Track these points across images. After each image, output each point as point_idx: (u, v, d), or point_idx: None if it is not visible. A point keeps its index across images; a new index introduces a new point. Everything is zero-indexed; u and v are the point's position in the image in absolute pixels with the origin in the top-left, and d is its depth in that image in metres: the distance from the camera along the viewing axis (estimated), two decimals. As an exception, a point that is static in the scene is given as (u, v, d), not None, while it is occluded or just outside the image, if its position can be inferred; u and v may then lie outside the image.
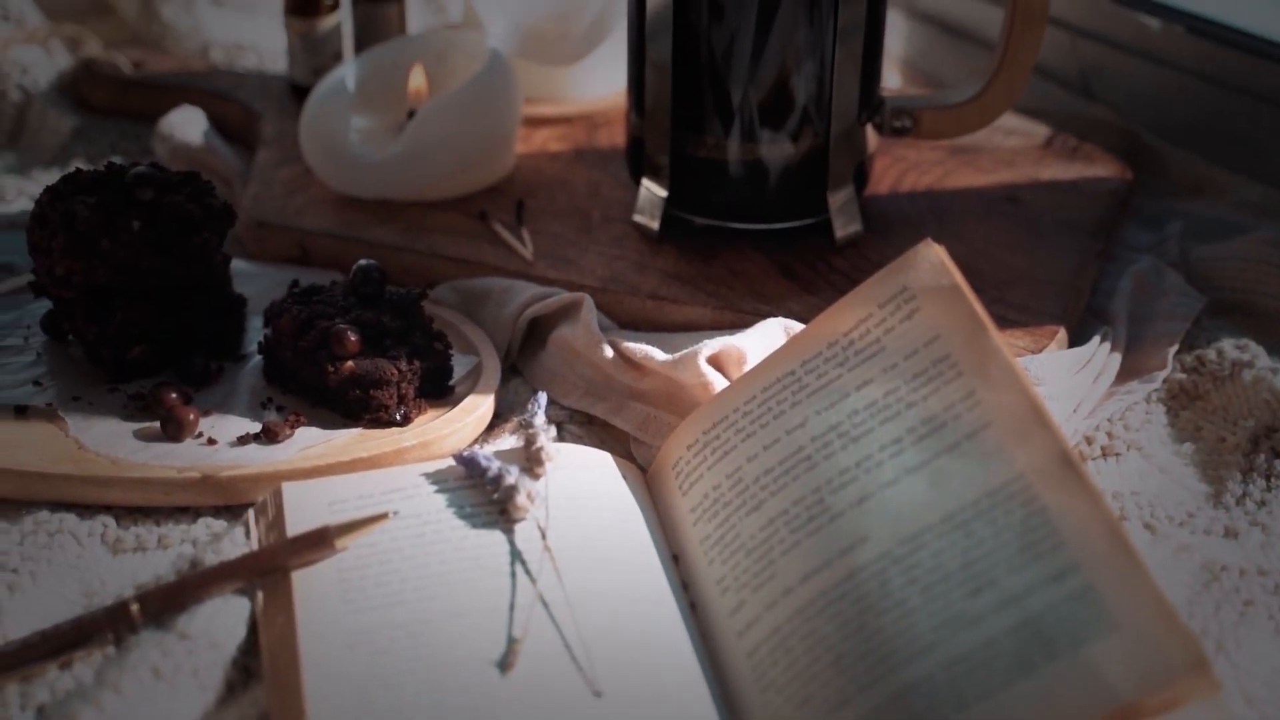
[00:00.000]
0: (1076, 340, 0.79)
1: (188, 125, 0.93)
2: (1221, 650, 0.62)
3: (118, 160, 0.78)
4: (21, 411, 0.73)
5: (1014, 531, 0.59)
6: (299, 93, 0.96)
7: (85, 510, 0.70)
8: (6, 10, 1.03)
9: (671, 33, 0.79)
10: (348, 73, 0.89)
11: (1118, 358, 0.78)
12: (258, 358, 0.78)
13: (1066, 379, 0.75)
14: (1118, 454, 0.73)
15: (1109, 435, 0.74)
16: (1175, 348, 0.79)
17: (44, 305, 0.79)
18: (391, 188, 0.86)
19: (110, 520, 0.69)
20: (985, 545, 0.59)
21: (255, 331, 0.80)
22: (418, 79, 0.89)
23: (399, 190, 0.87)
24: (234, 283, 0.80)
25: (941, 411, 0.63)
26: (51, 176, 0.93)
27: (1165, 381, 0.78)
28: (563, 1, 0.94)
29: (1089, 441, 0.74)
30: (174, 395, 0.73)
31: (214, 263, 0.76)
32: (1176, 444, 0.75)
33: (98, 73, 0.99)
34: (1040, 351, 0.77)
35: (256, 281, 0.83)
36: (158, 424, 0.73)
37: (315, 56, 0.95)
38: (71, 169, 0.94)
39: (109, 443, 0.72)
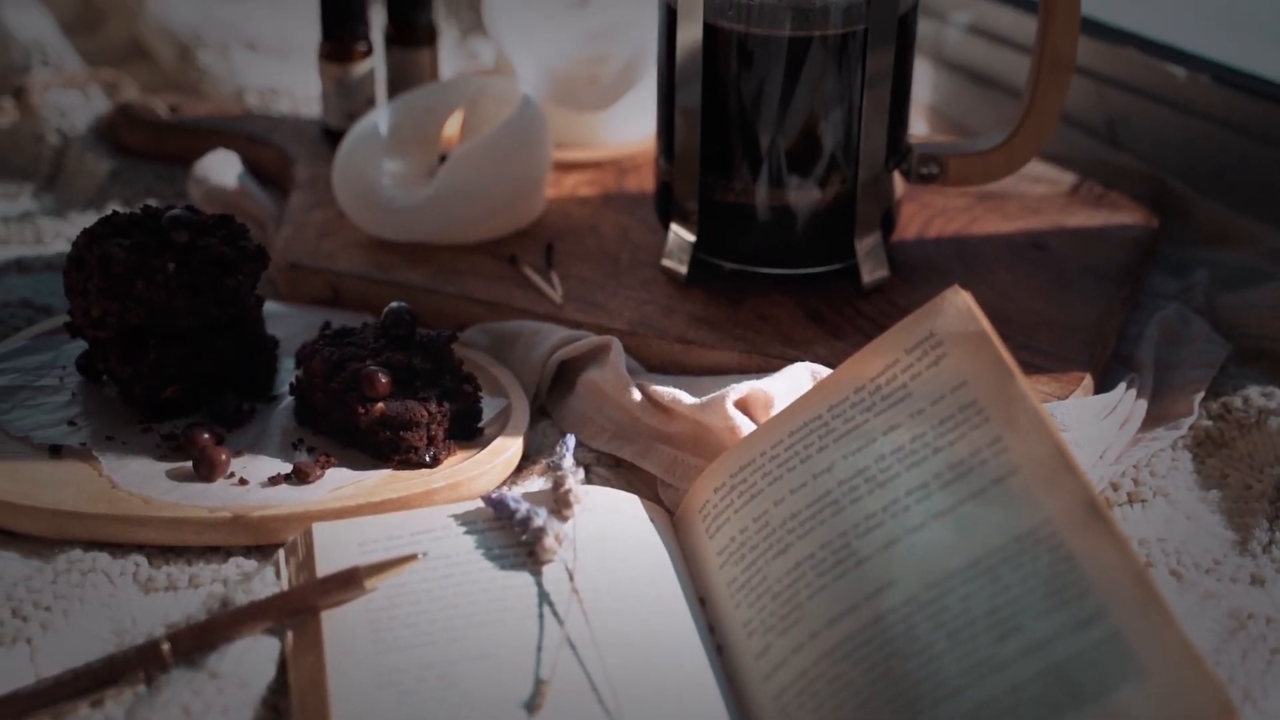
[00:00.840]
0: (1103, 387, 0.80)
1: (223, 169, 0.94)
2: (1248, 699, 0.62)
3: (153, 203, 0.79)
4: (56, 451, 0.74)
5: (1041, 577, 0.59)
6: (332, 137, 0.97)
7: (118, 549, 0.70)
8: (46, 55, 1.05)
9: (701, 79, 0.80)
10: (380, 117, 0.90)
11: (1144, 404, 0.78)
12: (289, 399, 0.78)
13: (1093, 425, 0.75)
14: (1144, 500, 0.74)
15: (1135, 482, 0.74)
16: (1201, 394, 0.79)
17: (79, 346, 0.80)
18: (423, 231, 0.87)
19: (142, 559, 0.70)
20: (1012, 591, 0.59)
21: (287, 373, 0.80)
22: (454, 125, 0.90)
23: (430, 233, 0.87)
24: (266, 324, 0.80)
25: (968, 457, 0.63)
26: (88, 219, 0.94)
27: (1191, 428, 0.78)
28: (593, 48, 0.96)
29: (1115, 488, 0.74)
30: (206, 436, 0.74)
31: (247, 304, 0.77)
32: (1203, 491, 0.75)
33: (135, 117, 1.00)
34: (1066, 398, 0.77)
35: (288, 323, 0.84)
36: (190, 464, 0.73)
37: (348, 101, 0.96)
38: (108, 211, 0.95)
39: (142, 482, 0.72)
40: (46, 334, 0.82)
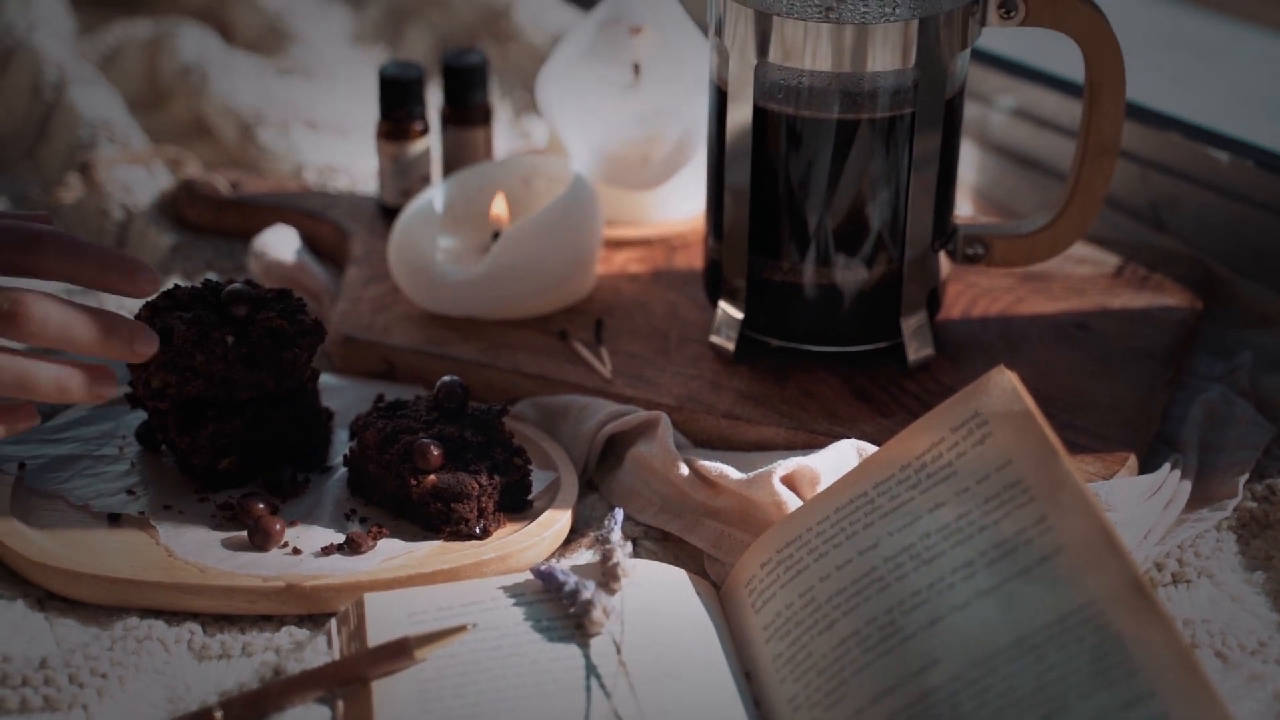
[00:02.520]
0: (1147, 467, 0.80)
1: (281, 244, 0.95)
2: (1295, 781, 0.62)
3: (214, 277, 0.80)
4: (115, 519, 0.75)
5: (1086, 657, 0.59)
6: (388, 213, 0.98)
7: (173, 617, 0.71)
8: (112, 133, 1.06)
9: (750, 160, 0.81)
10: (436, 195, 0.91)
11: (1188, 485, 0.78)
12: (343, 470, 0.79)
13: (1137, 505, 0.75)
14: (1189, 581, 0.73)
15: (1180, 562, 0.74)
16: (1246, 476, 0.79)
17: (139, 416, 0.81)
18: (476, 306, 0.88)
19: (197, 627, 0.71)
20: (1057, 670, 0.59)
21: (341, 444, 0.81)
22: (499, 205, 0.91)
23: (483, 309, 0.88)
24: (321, 396, 0.81)
25: (1013, 536, 0.63)
26: None
27: (1236, 510, 0.78)
28: (644, 129, 0.97)
29: (1160, 568, 0.74)
30: (262, 506, 0.75)
31: (304, 377, 0.78)
32: (1247, 572, 0.75)
33: (197, 193, 1.01)
34: (1111, 478, 0.77)
35: (343, 395, 0.85)
36: (245, 533, 0.74)
37: (404, 179, 0.97)
38: (169, 285, 0.97)
39: (198, 551, 0.73)
40: (107, 404, 0.83)
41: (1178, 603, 0.72)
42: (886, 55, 0.78)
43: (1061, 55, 0.91)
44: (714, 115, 0.83)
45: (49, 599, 0.72)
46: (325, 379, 0.85)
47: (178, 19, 1.25)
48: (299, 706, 0.65)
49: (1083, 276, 0.93)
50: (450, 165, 0.98)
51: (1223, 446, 0.81)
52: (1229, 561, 0.75)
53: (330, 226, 0.99)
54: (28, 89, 1.13)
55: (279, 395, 0.77)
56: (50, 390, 0.70)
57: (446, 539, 0.75)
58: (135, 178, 1.03)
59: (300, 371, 0.77)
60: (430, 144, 0.98)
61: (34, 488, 0.77)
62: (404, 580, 0.72)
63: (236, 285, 0.77)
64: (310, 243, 0.98)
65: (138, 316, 0.77)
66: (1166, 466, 0.78)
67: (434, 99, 1.10)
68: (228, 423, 0.77)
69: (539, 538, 0.75)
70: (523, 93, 1.18)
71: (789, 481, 0.75)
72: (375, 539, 0.74)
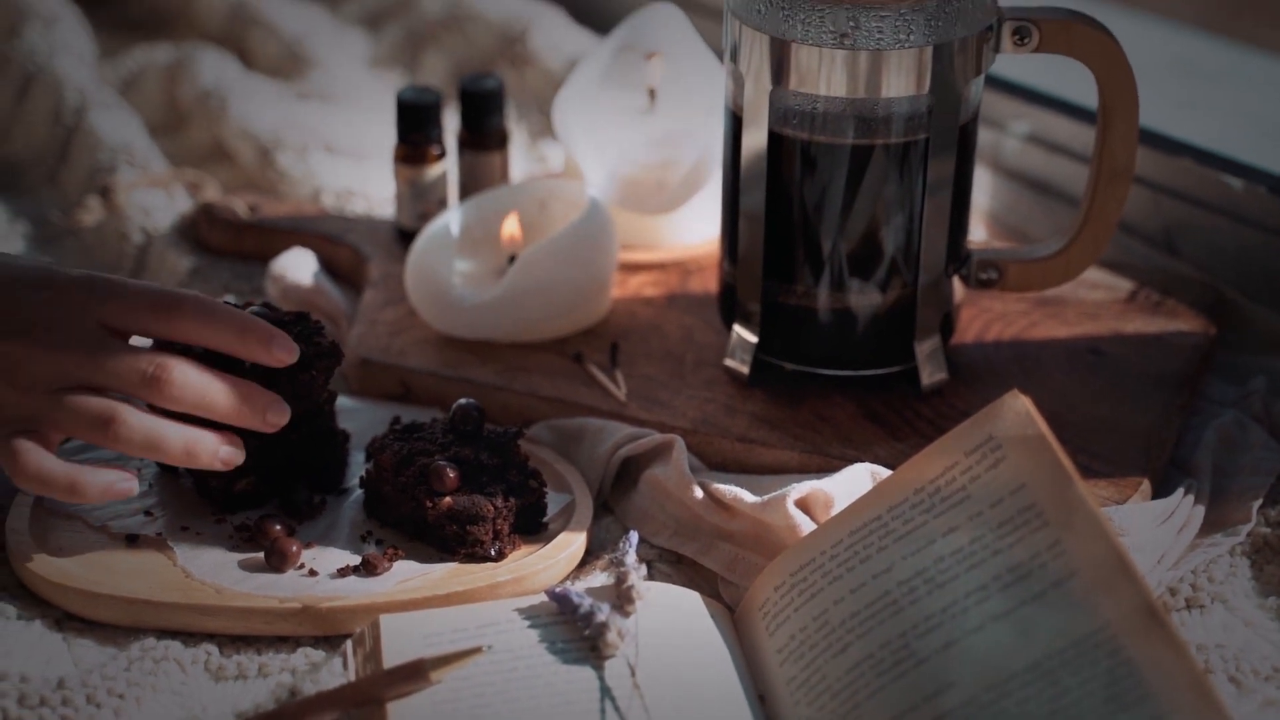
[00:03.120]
0: (1160, 492, 0.80)
1: (299, 267, 0.96)
2: (1309, 807, 0.62)
3: (231, 299, 0.81)
4: (133, 540, 0.76)
5: (1100, 681, 0.59)
6: (405, 237, 0.98)
7: (190, 638, 0.71)
8: (132, 156, 1.07)
9: (765, 184, 0.81)
10: (452, 219, 0.92)
11: (1201, 510, 0.78)
12: (359, 492, 0.80)
13: (1151, 530, 0.75)
14: (1202, 606, 0.74)
15: (1193, 587, 0.74)
16: (1259, 501, 0.79)
17: (158, 437, 0.82)
18: (492, 329, 0.89)
19: (213, 648, 0.71)
20: (1071, 694, 0.59)
21: (357, 466, 0.81)
22: (511, 225, 0.92)
23: (499, 332, 0.89)
24: (338, 418, 0.82)
25: (1027, 560, 0.63)
26: None
27: (1249, 535, 0.78)
28: (659, 153, 0.97)
29: (1173, 593, 0.74)
30: (278, 527, 0.75)
31: (321, 399, 0.78)
32: (1261, 598, 0.75)
33: (216, 216, 1.01)
34: (1125, 502, 0.77)
35: (359, 417, 0.85)
36: (262, 555, 0.75)
37: (421, 203, 0.98)
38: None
39: (215, 572, 0.74)
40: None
41: (1191, 628, 0.72)
42: (901, 81, 0.78)
43: (1075, 81, 0.91)
44: (729, 140, 0.84)
45: (67, 619, 0.73)
46: (342, 401, 0.85)
47: (197, 44, 1.25)
48: (315, 727, 0.65)
49: (1096, 301, 0.94)
50: (467, 189, 0.99)
51: (1236, 472, 0.81)
52: (1243, 587, 0.75)
53: (348, 250, 0.99)
54: (49, 113, 1.14)
55: (297, 416, 0.78)
56: (178, 453, 0.72)
57: (462, 561, 0.75)
58: (155, 201, 1.04)
59: (317, 393, 0.78)
60: (447, 168, 0.98)
61: (53, 509, 0.77)
62: (419, 602, 0.72)
63: (255, 308, 0.77)
64: (328, 266, 0.99)
65: (155, 343, 0.77)
66: (1180, 491, 0.79)
67: (451, 123, 1.10)
68: (245, 444, 0.77)
69: (554, 560, 0.75)
70: (539, 117, 1.18)
71: (803, 505, 0.75)
72: (391, 561, 0.75)
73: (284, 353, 0.74)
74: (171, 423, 0.73)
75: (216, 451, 0.73)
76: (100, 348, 0.72)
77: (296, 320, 0.78)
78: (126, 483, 0.72)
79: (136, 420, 0.72)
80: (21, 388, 0.71)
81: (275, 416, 0.74)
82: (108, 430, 0.71)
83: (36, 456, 0.71)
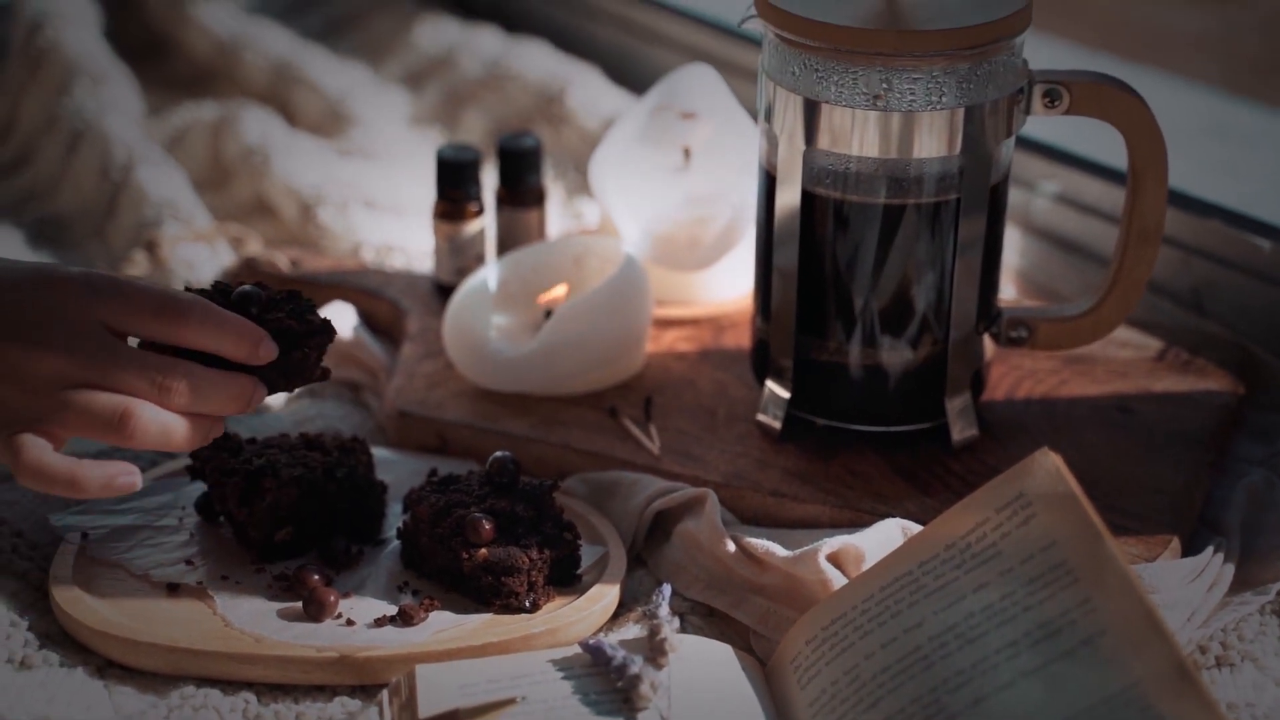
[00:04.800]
0: (1190, 550, 0.80)
1: (339, 320, 0.96)
2: None
3: (222, 281, 0.80)
4: (174, 589, 0.77)
5: (1129, 738, 0.59)
6: (443, 291, 0.99)
7: (229, 686, 0.72)
8: (177, 211, 1.08)
9: (798, 242, 0.82)
10: (490, 274, 0.93)
11: (1231, 568, 0.78)
12: (396, 543, 0.80)
13: (1180, 588, 0.75)
14: (1232, 665, 0.73)
15: (1223, 645, 0.74)
16: (1290, 560, 0.79)
17: (199, 488, 0.83)
18: (527, 383, 0.90)
19: (251, 697, 0.71)
20: (1100, 750, 0.59)
21: (394, 517, 0.82)
22: (559, 290, 0.92)
23: (534, 385, 0.90)
24: (376, 470, 0.83)
25: (1057, 617, 0.63)
26: None
27: (1278, 593, 0.78)
28: (694, 211, 0.98)
29: (1203, 651, 0.74)
30: (316, 577, 0.76)
31: (313, 377, 0.77)
32: (1291, 656, 0.75)
33: (258, 270, 1.03)
34: (1154, 560, 0.78)
35: (397, 469, 0.86)
36: (300, 604, 0.75)
37: (460, 258, 0.99)
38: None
39: (254, 621, 0.75)
40: (168, 475, 0.85)
41: (1222, 686, 0.72)
42: (933, 142, 0.79)
43: (1104, 142, 0.92)
44: (763, 198, 0.85)
45: (108, 666, 0.73)
46: (379, 452, 0.87)
47: (242, 102, 1.27)
48: (351, 775, 0.66)
49: (1125, 360, 0.94)
50: (504, 245, 1.00)
51: (1265, 530, 0.81)
52: (1273, 645, 0.75)
53: (387, 304, 1.00)
54: (97, 169, 1.16)
55: (288, 390, 0.76)
56: (191, 439, 0.73)
57: (497, 612, 0.76)
58: (199, 255, 1.05)
59: (309, 371, 0.76)
60: (485, 224, 0.99)
61: (96, 557, 0.78)
62: (455, 652, 0.73)
63: (246, 287, 0.76)
64: (367, 319, 1.00)
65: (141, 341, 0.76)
66: (1210, 549, 0.79)
67: (489, 181, 1.11)
68: (284, 495, 0.78)
69: (588, 612, 0.76)
70: (575, 175, 1.19)
71: (834, 559, 0.75)
72: (427, 611, 0.75)
73: (266, 351, 0.74)
74: (180, 415, 0.73)
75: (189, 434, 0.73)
76: (103, 348, 0.72)
77: (288, 299, 0.77)
78: (128, 476, 0.72)
79: (151, 414, 0.71)
80: (26, 387, 0.71)
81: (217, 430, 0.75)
82: (124, 426, 0.71)
83: (37, 451, 0.71)
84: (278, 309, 0.76)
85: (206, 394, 0.73)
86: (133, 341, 0.74)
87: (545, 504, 0.78)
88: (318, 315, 0.76)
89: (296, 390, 0.80)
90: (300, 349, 0.75)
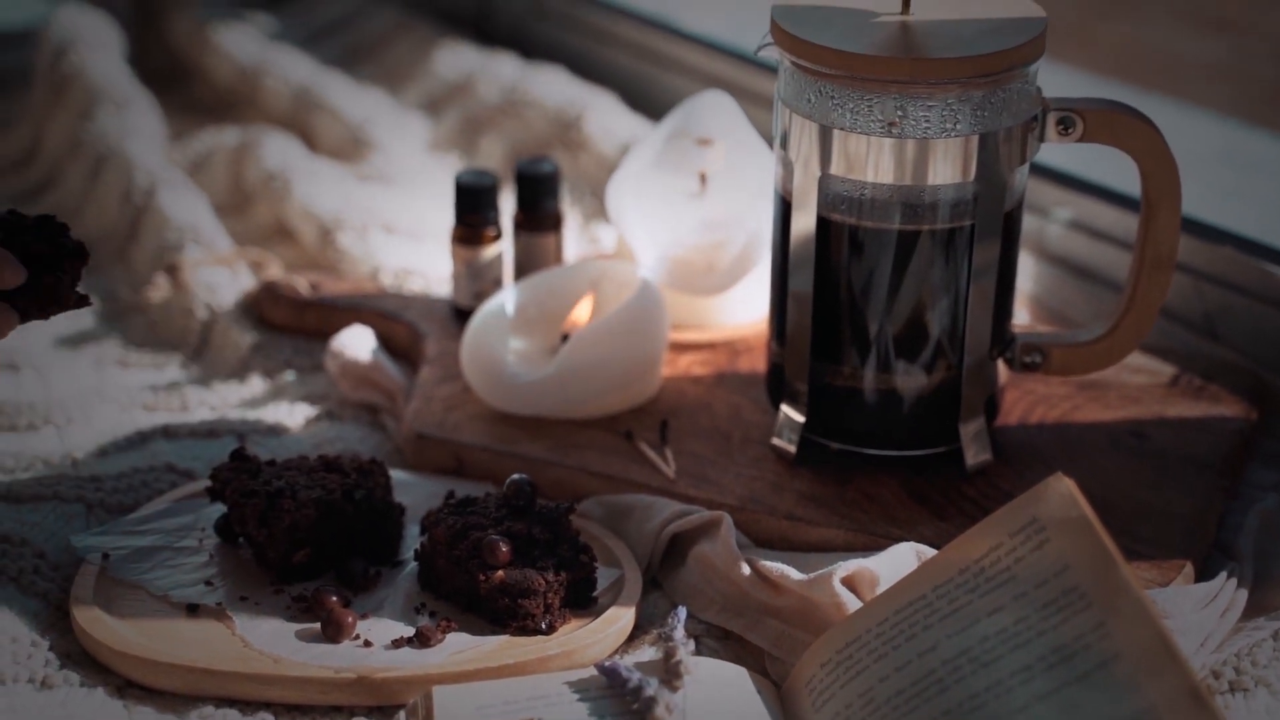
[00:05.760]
0: (1203, 575, 0.80)
1: (358, 343, 0.97)
2: None
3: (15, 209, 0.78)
4: (193, 610, 0.77)
5: (1142, 762, 0.59)
6: (461, 315, 1.00)
7: (247, 706, 0.72)
8: (198, 235, 1.09)
9: (813, 267, 0.83)
10: (507, 298, 0.93)
11: (1244, 594, 0.78)
12: (413, 564, 0.81)
13: (1194, 613, 0.76)
14: (1245, 690, 0.74)
15: (1236, 670, 0.74)
16: (1303, 585, 0.79)
17: (219, 509, 0.83)
18: (544, 406, 0.90)
19: (270, 717, 0.72)
20: (1113, 774, 0.59)
21: (412, 539, 0.83)
22: (584, 310, 0.93)
23: (551, 409, 0.90)
24: (393, 492, 0.83)
25: (1072, 641, 0.64)
26: (231, 388, 0.98)
27: (1293, 619, 0.78)
28: (710, 236, 0.99)
29: (1216, 676, 0.74)
30: (334, 598, 0.77)
31: (68, 303, 0.74)
32: (1304, 682, 0.75)
33: (278, 294, 1.04)
34: (1167, 585, 0.78)
35: (414, 491, 0.86)
36: (318, 625, 0.76)
37: (478, 282, 1.00)
38: (249, 382, 0.99)
39: (272, 642, 0.75)
40: (188, 497, 0.85)
41: (1235, 711, 0.72)
42: (947, 169, 0.80)
43: (1118, 169, 0.92)
44: (778, 224, 0.85)
45: (128, 686, 0.74)
46: (397, 474, 0.87)
47: (263, 127, 1.28)
48: (368, 795, 0.66)
49: (1139, 386, 0.94)
50: (522, 269, 1.01)
51: (1278, 556, 0.81)
52: (1286, 671, 0.75)
53: (405, 327, 1.01)
54: (119, 193, 1.17)
55: (44, 318, 0.74)
56: None
57: (513, 634, 0.76)
58: (219, 279, 1.06)
59: (64, 297, 0.74)
60: (503, 249, 1.00)
61: (116, 577, 0.79)
62: (472, 674, 0.73)
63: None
64: (386, 343, 1.01)
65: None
66: (1223, 575, 0.79)
67: (507, 206, 1.12)
68: (302, 517, 0.79)
69: (603, 634, 0.76)
70: (592, 200, 1.20)
71: (849, 583, 0.76)
72: (444, 633, 0.76)
73: (13, 277, 0.72)
74: None
75: None
76: None
77: (41, 223, 0.74)
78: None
79: None
80: None
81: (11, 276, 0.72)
82: None
83: None
84: (31, 233, 0.73)
85: None
86: None
87: (561, 526, 0.79)
88: (71, 238, 0.74)
89: (54, 315, 0.75)
90: (53, 274, 0.73)
